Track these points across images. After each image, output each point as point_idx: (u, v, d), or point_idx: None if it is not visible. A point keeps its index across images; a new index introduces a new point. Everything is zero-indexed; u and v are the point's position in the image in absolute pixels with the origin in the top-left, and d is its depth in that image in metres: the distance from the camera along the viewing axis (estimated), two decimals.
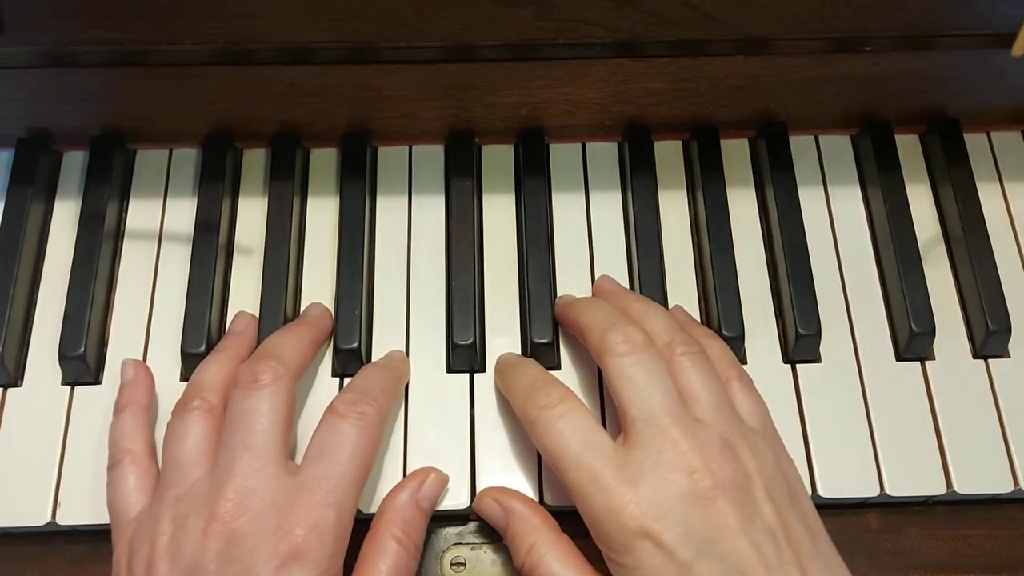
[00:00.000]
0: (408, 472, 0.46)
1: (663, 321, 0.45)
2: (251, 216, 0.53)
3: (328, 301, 0.50)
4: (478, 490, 0.46)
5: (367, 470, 0.43)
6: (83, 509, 0.45)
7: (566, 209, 0.53)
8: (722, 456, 0.40)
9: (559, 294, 0.51)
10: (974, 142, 0.54)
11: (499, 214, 0.53)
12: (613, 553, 0.39)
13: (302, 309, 0.50)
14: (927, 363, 0.49)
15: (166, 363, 0.49)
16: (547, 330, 0.48)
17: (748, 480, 0.39)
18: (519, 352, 0.49)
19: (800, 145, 0.55)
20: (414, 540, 0.43)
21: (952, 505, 0.48)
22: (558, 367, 0.49)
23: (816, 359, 0.49)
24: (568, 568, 0.41)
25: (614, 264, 0.52)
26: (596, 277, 0.51)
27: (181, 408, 0.44)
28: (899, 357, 0.49)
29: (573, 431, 0.41)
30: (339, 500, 0.41)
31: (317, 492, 0.41)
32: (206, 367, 0.46)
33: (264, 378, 0.43)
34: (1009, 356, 0.50)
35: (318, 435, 0.43)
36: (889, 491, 0.46)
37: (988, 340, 0.49)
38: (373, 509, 0.44)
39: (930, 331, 0.48)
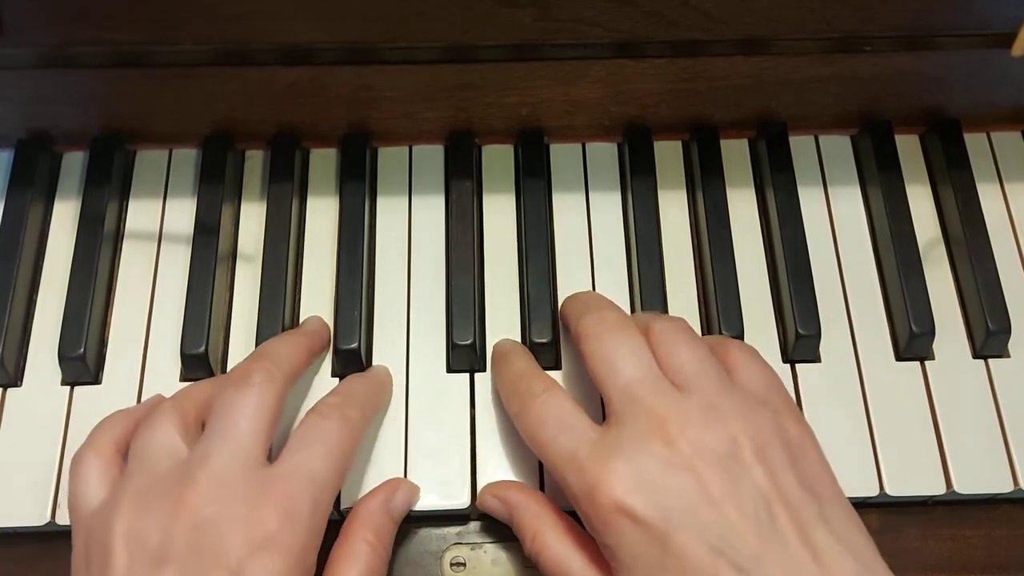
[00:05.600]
0: (409, 472, 0.46)
1: (645, 313, 0.45)
2: (251, 217, 0.53)
3: (328, 301, 0.50)
4: (478, 489, 0.46)
5: (345, 471, 0.42)
6: None
7: (566, 209, 0.53)
8: (704, 421, 0.38)
9: (559, 294, 0.51)
10: (974, 142, 0.54)
11: (499, 214, 0.53)
12: (597, 534, 0.38)
13: (301, 309, 0.50)
14: (927, 363, 0.49)
15: (166, 364, 0.49)
16: (547, 330, 0.48)
17: (734, 444, 0.37)
18: None
19: (800, 145, 0.55)
20: (384, 544, 0.43)
21: (952, 505, 0.47)
22: (558, 367, 0.49)
23: (816, 359, 0.49)
24: (571, 548, 0.41)
25: (614, 264, 0.52)
26: (596, 277, 0.51)
27: (156, 410, 0.43)
28: (899, 357, 0.49)
29: (551, 417, 0.41)
30: (316, 493, 0.40)
31: (294, 483, 0.40)
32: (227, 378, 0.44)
33: (255, 378, 0.42)
34: (1009, 356, 0.50)
35: (299, 431, 0.42)
36: (889, 491, 0.46)
37: (988, 340, 0.49)
38: None
39: (930, 331, 0.48)
